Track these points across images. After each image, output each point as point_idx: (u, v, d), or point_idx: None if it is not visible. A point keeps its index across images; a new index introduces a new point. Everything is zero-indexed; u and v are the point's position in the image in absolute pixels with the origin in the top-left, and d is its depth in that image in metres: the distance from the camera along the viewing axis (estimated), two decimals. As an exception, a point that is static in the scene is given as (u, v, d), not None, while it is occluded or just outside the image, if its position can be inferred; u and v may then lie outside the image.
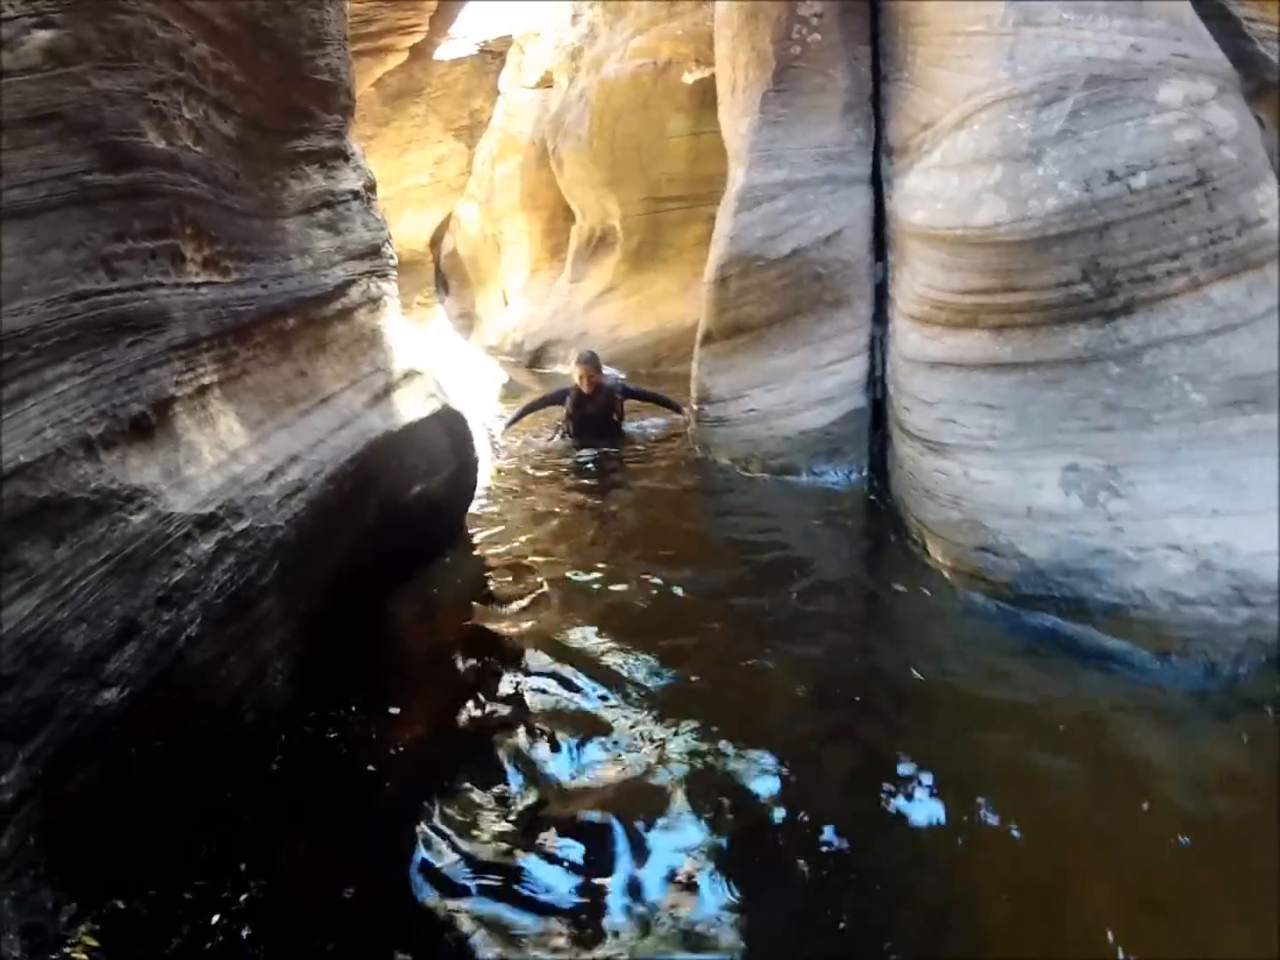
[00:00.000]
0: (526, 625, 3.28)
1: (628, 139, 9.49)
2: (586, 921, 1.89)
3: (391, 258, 3.47)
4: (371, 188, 3.37)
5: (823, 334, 5.07)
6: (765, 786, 2.35)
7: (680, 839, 2.12)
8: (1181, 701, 2.73)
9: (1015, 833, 2.17)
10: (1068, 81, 3.36)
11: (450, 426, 3.57)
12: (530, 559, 3.97)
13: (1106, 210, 3.21)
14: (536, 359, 11.13)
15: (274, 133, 2.82)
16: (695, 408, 5.65)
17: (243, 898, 1.92)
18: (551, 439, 6.65)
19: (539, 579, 3.68)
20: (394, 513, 3.20)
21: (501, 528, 4.47)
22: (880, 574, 3.88)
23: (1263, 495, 2.94)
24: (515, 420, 6.88)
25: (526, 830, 2.16)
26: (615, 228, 10.35)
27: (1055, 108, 3.37)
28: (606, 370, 6.69)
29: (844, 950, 1.83)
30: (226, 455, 2.23)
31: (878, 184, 5.08)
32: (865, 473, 4.87)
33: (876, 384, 4.94)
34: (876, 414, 4.92)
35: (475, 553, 4.15)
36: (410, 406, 3.28)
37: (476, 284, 12.76)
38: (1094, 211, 3.23)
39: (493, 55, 11.25)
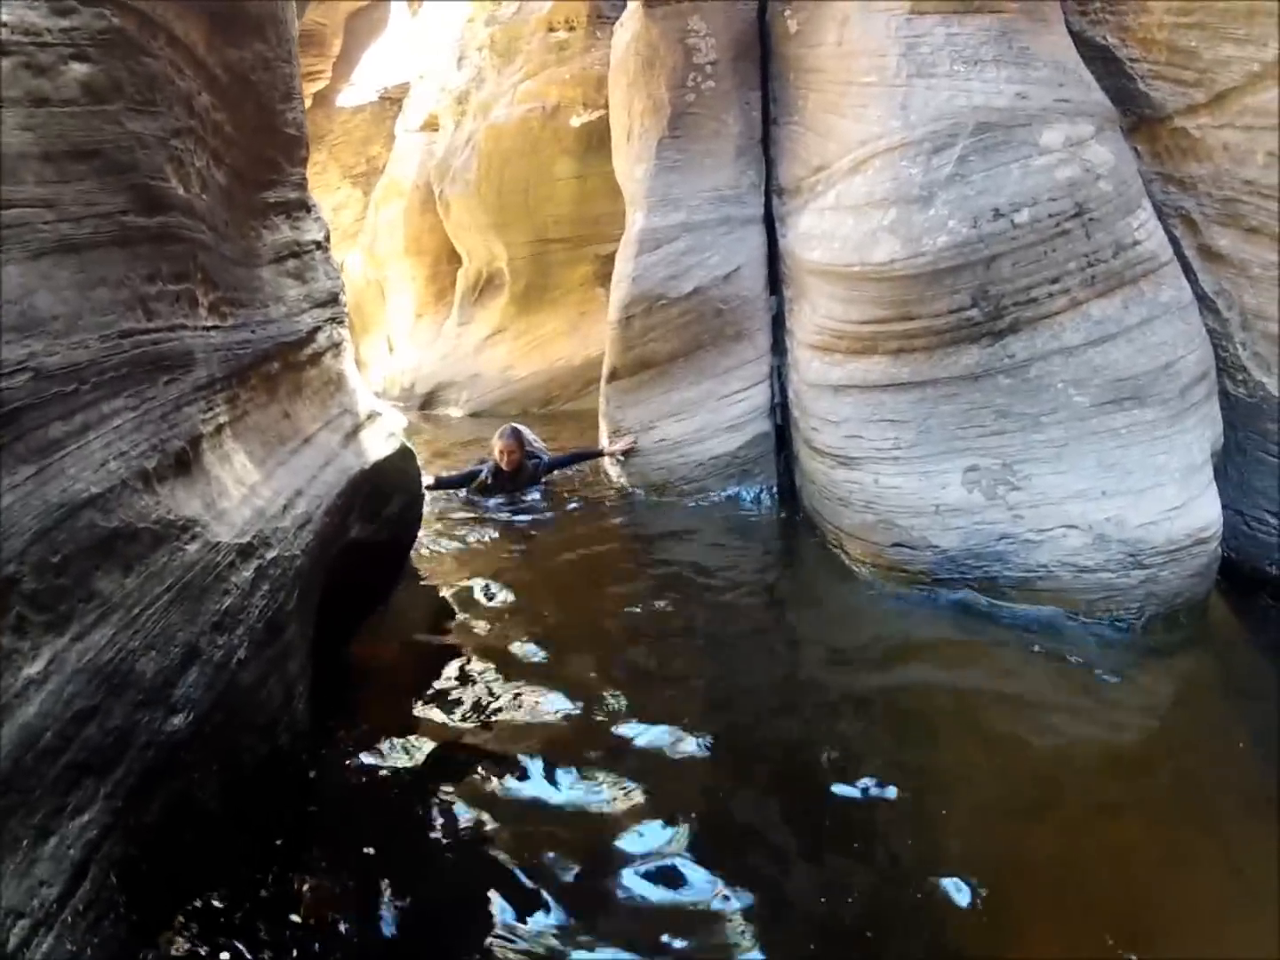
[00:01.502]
0: (482, 650, 3.35)
1: (515, 182, 9.54)
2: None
3: (345, 305, 3.48)
4: (328, 238, 3.39)
5: (726, 366, 5.31)
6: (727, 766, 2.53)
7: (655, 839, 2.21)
8: (1089, 652, 3.12)
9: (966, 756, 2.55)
10: (956, 129, 3.68)
11: (405, 463, 3.59)
12: (471, 587, 4.04)
13: (992, 244, 3.55)
14: (428, 402, 10.99)
15: (251, 183, 2.86)
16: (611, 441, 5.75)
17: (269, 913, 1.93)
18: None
19: (483, 606, 3.79)
20: (362, 544, 3.20)
21: (437, 561, 4.50)
22: (805, 575, 4.14)
23: (1146, 476, 3.34)
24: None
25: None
26: (502, 270, 10.36)
27: (945, 154, 3.69)
28: (531, 441, 6.00)
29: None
30: (247, 490, 2.25)
31: (769, 223, 5.37)
32: (775, 491, 5.16)
33: (777, 409, 5.21)
34: (779, 437, 5.21)
35: (423, 583, 4.14)
36: (375, 445, 3.33)
37: (360, 330, 12.53)
38: (981, 246, 3.56)
39: (391, 102, 11.16)
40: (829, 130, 4.52)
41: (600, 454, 5.95)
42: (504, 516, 5.21)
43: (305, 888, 2.04)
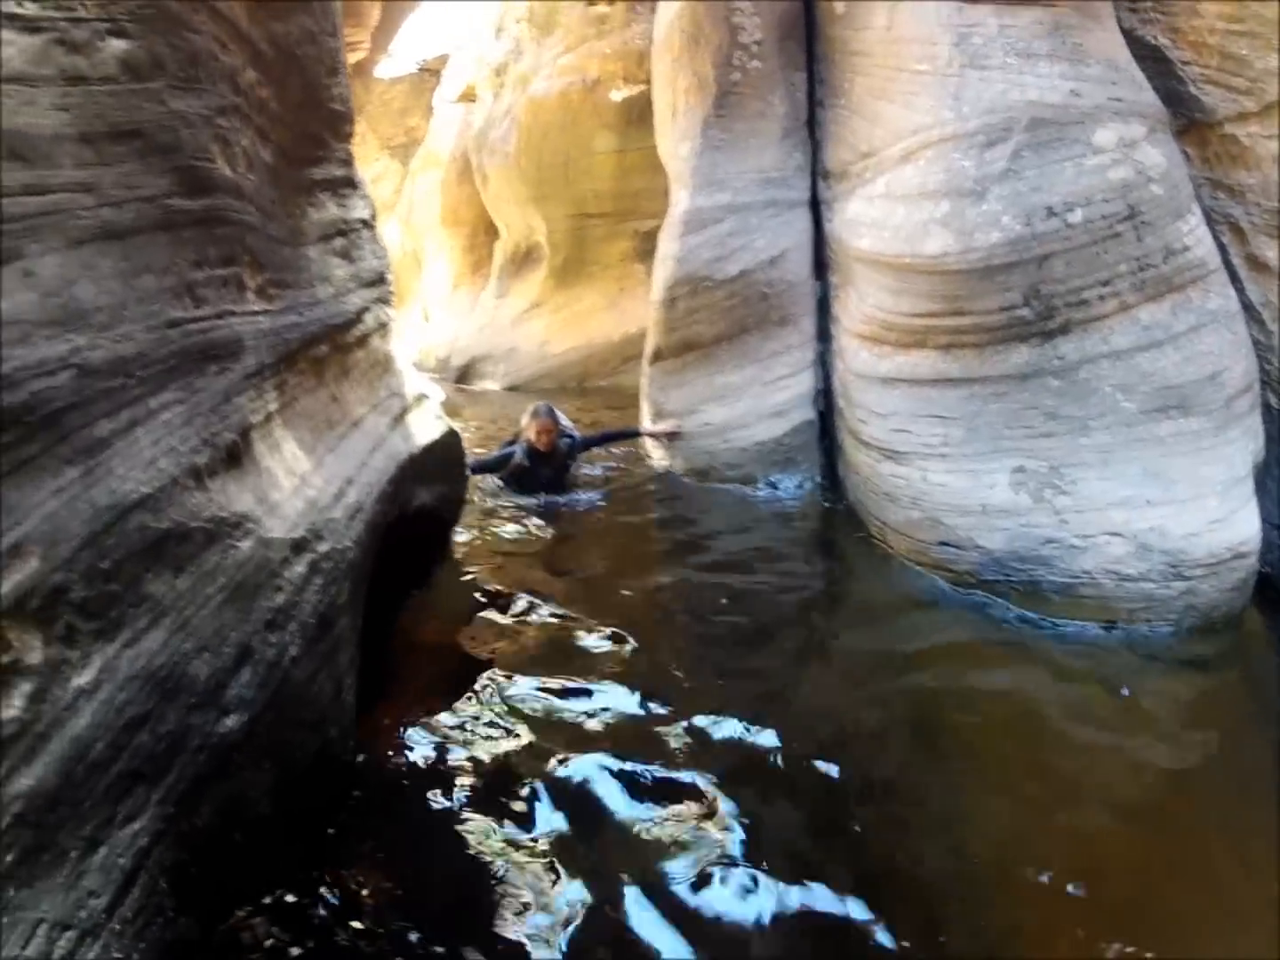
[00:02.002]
0: (526, 637, 3.29)
1: (555, 155, 9.40)
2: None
3: (392, 285, 3.39)
4: (375, 215, 3.29)
5: (771, 350, 5.19)
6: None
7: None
8: (1128, 661, 3.07)
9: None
10: (1010, 123, 3.56)
11: (451, 445, 3.52)
12: (514, 573, 3.97)
13: (1045, 243, 3.43)
14: (464, 375, 10.91)
15: (296, 160, 2.76)
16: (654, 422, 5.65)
17: (325, 911, 1.89)
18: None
19: (526, 593, 3.67)
20: (409, 530, 3.14)
21: (476, 544, 4.42)
22: (849, 569, 4.06)
23: (1190, 487, 3.26)
24: None
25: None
26: (541, 243, 10.23)
27: (999, 148, 3.57)
28: (565, 424, 5.56)
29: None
30: (298, 480, 2.18)
31: (814, 206, 5.24)
32: (818, 479, 5.04)
33: (820, 396, 5.08)
34: (823, 424, 5.09)
35: (462, 567, 4.07)
36: (423, 428, 3.26)
37: (395, 301, 12.45)
38: (1034, 244, 3.45)
39: (430, 73, 10.99)
40: (877, 116, 4.38)
41: (637, 434, 5.78)
42: (539, 504, 5.05)
43: (351, 881, 1.98)
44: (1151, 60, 3.75)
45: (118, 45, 1.65)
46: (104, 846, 1.38)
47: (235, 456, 1.92)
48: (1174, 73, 3.73)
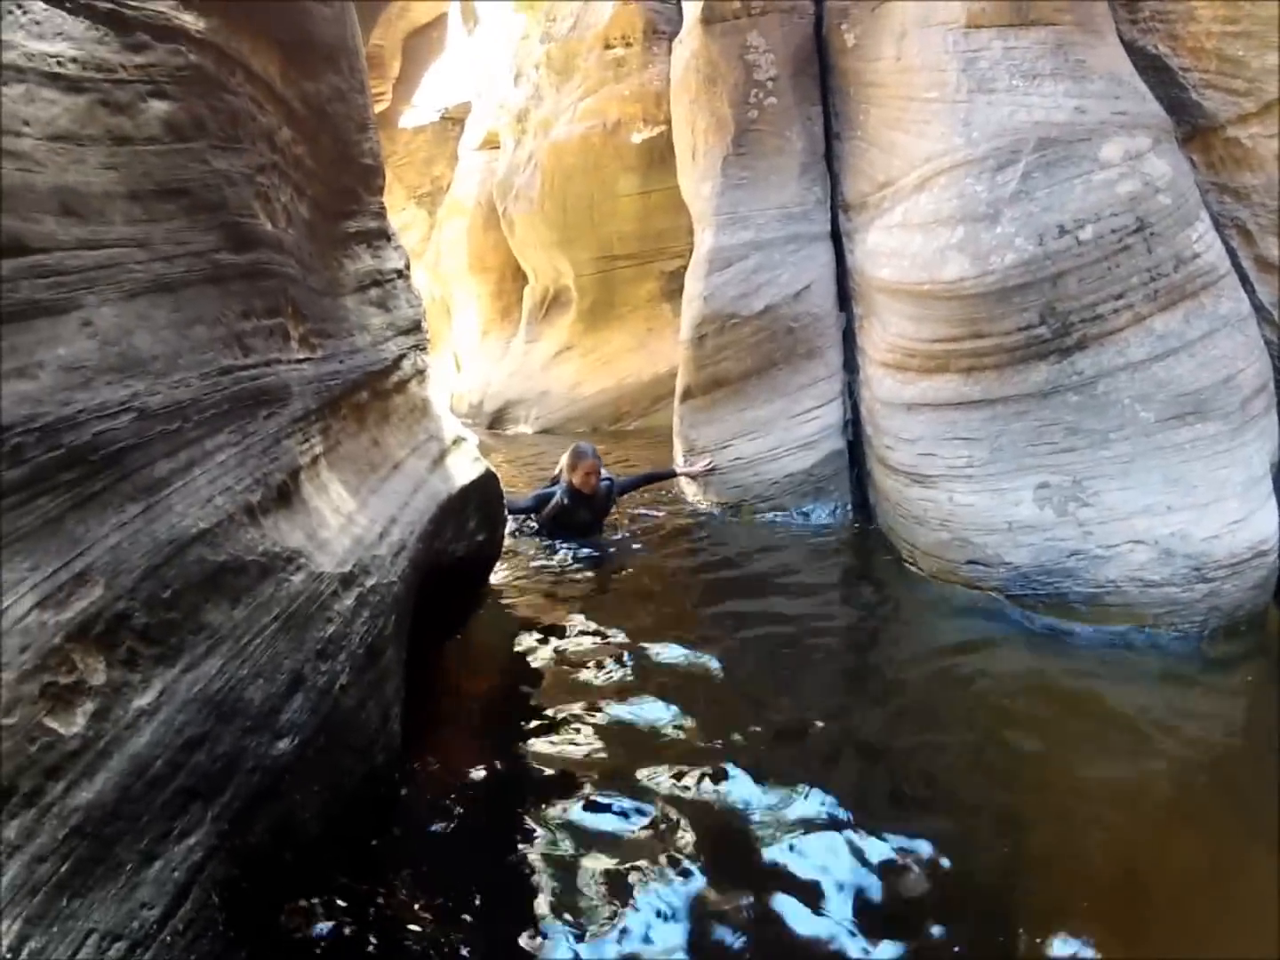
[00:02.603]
0: (565, 676, 3.31)
1: (579, 199, 9.56)
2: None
3: (427, 332, 3.51)
4: (409, 265, 3.42)
5: (799, 384, 5.26)
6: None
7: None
8: (1156, 664, 3.11)
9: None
10: (1019, 145, 3.63)
11: (489, 486, 3.61)
12: (552, 614, 4.00)
13: (1059, 261, 3.49)
14: (496, 420, 11.06)
15: (331, 214, 2.89)
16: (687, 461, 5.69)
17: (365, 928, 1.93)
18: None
19: (565, 631, 3.72)
20: (448, 566, 3.21)
21: (513, 583, 4.48)
22: (885, 592, 4.07)
23: (1209, 491, 3.28)
24: None
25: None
26: (569, 287, 10.39)
27: (1009, 170, 3.64)
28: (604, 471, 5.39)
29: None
30: (344, 519, 2.27)
31: (836, 238, 5.33)
32: (849, 507, 5.08)
33: (849, 426, 5.14)
34: (852, 453, 5.14)
35: (501, 604, 4.14)
36: (462, 470, 3.35)
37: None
38: (1048, 263, 3.51)
39: (453, 122, 11.27)
40: (892, 146, 4.47)
41: (673, 474, 5.74)
42: (571, 543, 5.02)
43: (391, 900, 2.03)
44: (1153, 70, 3.81)
45: (159, 106, 1.77)
46: (159, 860, 1.45)
47: (286, 496, 2.02)
48: (1175, 80, 3.78)
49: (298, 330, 2.36)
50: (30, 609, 1.29)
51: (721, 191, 5.49)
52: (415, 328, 3.42)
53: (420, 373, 3.41)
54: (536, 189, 9.85)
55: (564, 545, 4.96)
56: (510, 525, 4.90)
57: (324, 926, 1.87)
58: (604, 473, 5.24)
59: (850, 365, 5.18)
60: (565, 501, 4.98)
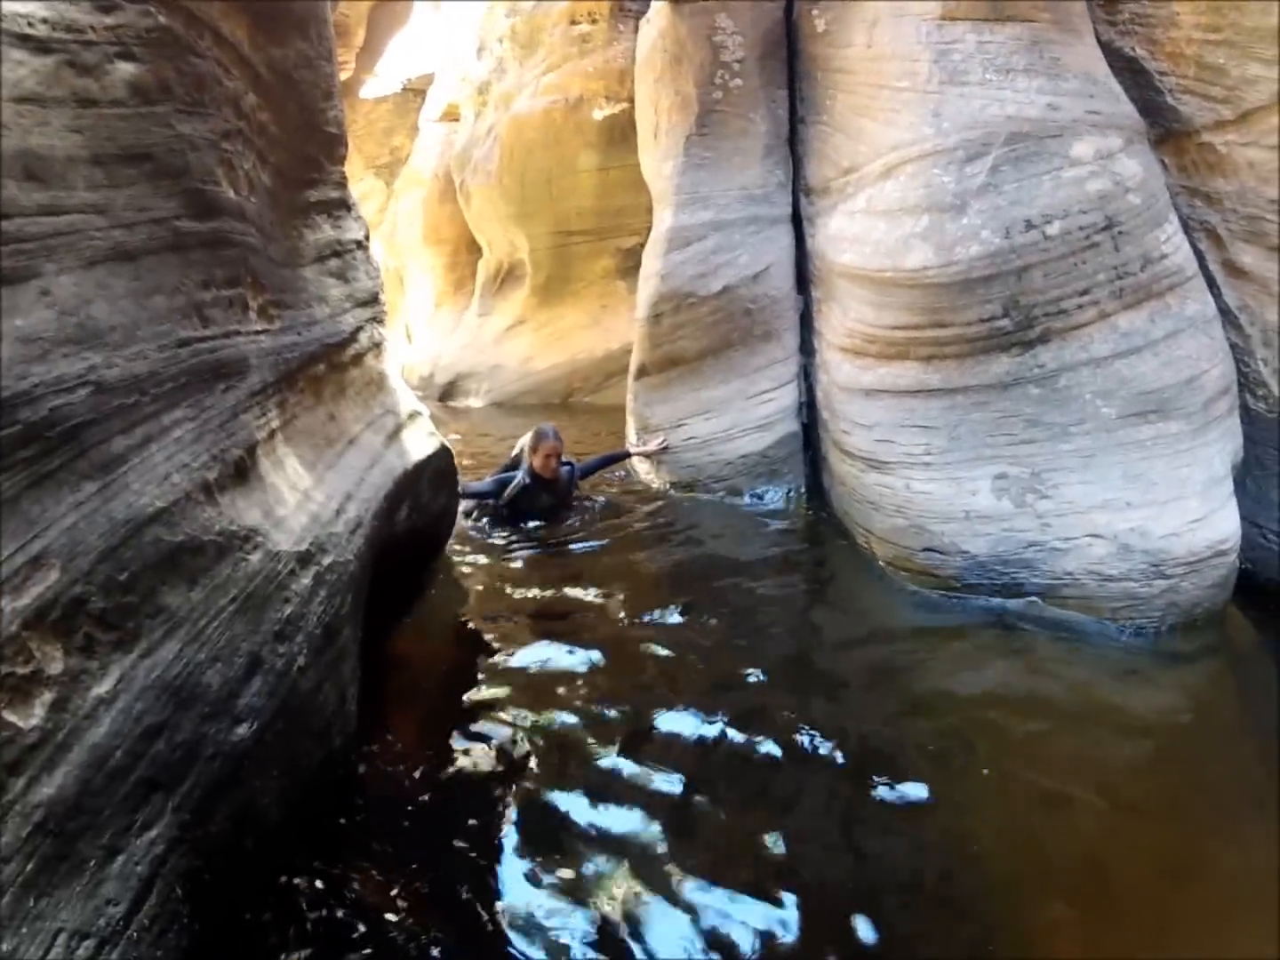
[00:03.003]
0: (519, 652, 3.29)
1: (538, 174, 9.43)
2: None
3: (384, 304, 3.43)
4: (369, 236, 3.33)
5: (755, 365, 5.24)
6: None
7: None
8: (1113, 658, 3.13)
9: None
10: (989, 138, 3.62)
11: (443, 462, 3.55)
12: (505, 591, 3.96)
13: (1024, 255, 3.49)
14: (447, 392, 10.90)
15: (293, 183, 2.81)
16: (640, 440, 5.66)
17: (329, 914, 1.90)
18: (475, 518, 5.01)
19: (518, 610, 3.71)
20: (401, 542, 3.16)
21: (466, 560, 4.43)
22: (835, 576, 4.10)
23: (1170, 488, 3.31)
24: None
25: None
26: (523, 261, 10.25)
27: (978, 163, 3.63)
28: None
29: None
30: (301, 496, 2.21)
31: (796, 222, 5.31)
32: (802, 490, 5.09)
33: (803, 409, 5.15)
34: (806, 437, 5.16)
35: (454, 581, 4.09)
36: (417, 445, 3.30)
37: (383, 319, 12.39)
38: (1013, 256, 3.51)
39: (415, 93, 11.02)
40: (859, 132, 4.45)
41: (628, 455, 5.67)
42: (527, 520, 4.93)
43: (354, 885, 2.00)
44: (1129, 72, 3.83)
45: (126, 69, 1.69)
46: (122, 854, 1.40)
47: (243, 472, 1.96)
48: (1151, 84, 3.80)
49: (256, 301, 2.29)
50: (-15, 596, 1.23)
51: (683, 171, 5.43)
52: (373, 300, 3.34)
53: (377, 345, 3.34)
54: (495, 162, 9.68)
55: (520, 525, 4.85)
56: (465, 506, 4.82)
57: (289, 913, 1.84)
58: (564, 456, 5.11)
59: (806, 348, 5.18)
60: (526, 483, 4.81)
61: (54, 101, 1.50)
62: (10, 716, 1.23)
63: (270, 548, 1.91)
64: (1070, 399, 3.49)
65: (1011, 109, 3.60)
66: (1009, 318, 3.57)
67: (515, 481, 4.82)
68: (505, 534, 4.78)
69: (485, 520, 4.94)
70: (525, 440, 4.94)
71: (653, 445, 5.44)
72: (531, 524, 4.85)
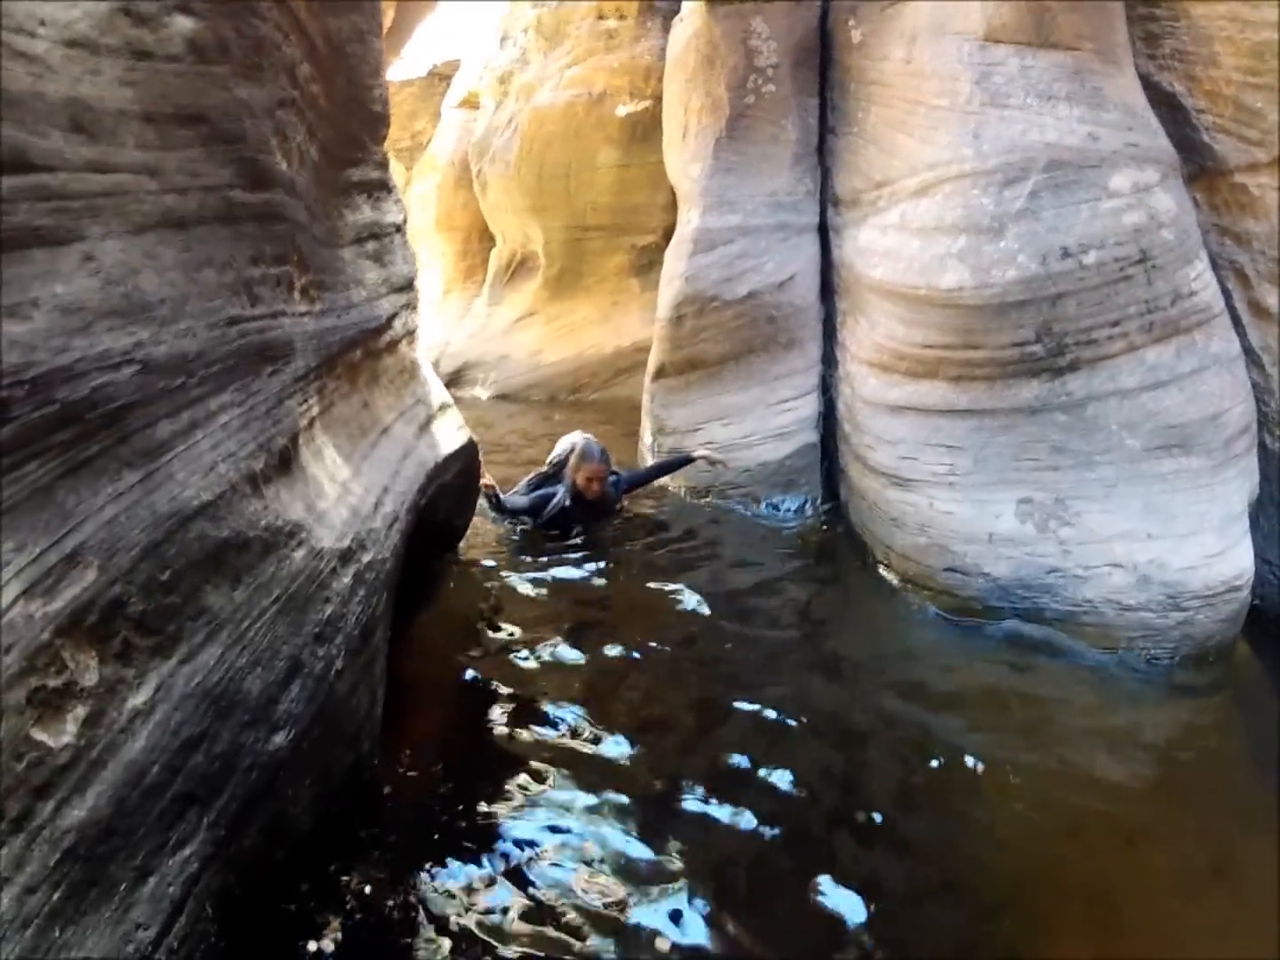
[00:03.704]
0: (533, 653, 3.15)
1: (556, 167, 9.15)
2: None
3: (419, 291, 3.25)
4: (406, 220, 3.15)
5: (776, 373, 5.08)
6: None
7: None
8: (1127, 686, 3.08)
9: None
10: (1029, 163, 3.49)
11: (469, 456, 3.39)
12: (519, 588, 3.79)
13: (1060, 282, 3.38)
14: (453, 381, 10.61)
15: (336, 160, 2.63)
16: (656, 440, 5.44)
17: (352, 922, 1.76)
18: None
19: (532, 609, 3.56)
20: (426, 538, 3.01)
21: (481, 560, 4.23)
22: (852, 592, 3.98)
23: (1188, 522, 3.24)
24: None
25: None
26: (537, 253, 10.01)
27: (1017, 187, 3.51)
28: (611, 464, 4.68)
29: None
30: (340, 488, 2.05)
31: (822, 231, 5.15)
32: (819, 502, 4.93)
33: (821, 420, 5.01)
34: (823, 448, 5.01)
35: (469, 580, 3.92)
36: (447, 438, 3.13)
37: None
38: (1049, 283, 3.40)
39: (441, 78, 10.77)
40: (893, 147, 4.30)
41: (689, 460, 4.98)
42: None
43: (377, 893, 1.85)
44: (1166, 107, 3.71)
45: (184, 23, 1.52)
46: (154, 875, 1.25)
47: (286, 462, 1.79)
48: (1188, 120, 3.69)
49: (301, 280, 2.12)
50: (15, 599, 1.06)
51: (711, 174, 5.25)
52: (408, 285, 3.17)
53: (410, 333, 3.17)
54: (514, 153, 9.43)
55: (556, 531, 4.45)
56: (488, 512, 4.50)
57: (319, 923, 1.69)
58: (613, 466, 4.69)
59: (828, 359, 5.02)
60: (567, 504, 4.42)
61: (107, 50, 1.33)
62: (40, 735, 1.07)
63: (314, 544, 1.75)
64: (1096, 428, 3.39)
65: (1052, 135, 3.48)
66: (1041, 344, 3.45)
67: (555, 502, 4.43)
68: (515, 530, 4.58)
69: (519, 524, 4.57)
70: (564, 445, 4.58)
71: (709, 450, 4.94)
72: (571, 532, 4.47)
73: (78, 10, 1.27)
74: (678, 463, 5.02)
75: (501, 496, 4.34)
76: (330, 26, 2.31)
